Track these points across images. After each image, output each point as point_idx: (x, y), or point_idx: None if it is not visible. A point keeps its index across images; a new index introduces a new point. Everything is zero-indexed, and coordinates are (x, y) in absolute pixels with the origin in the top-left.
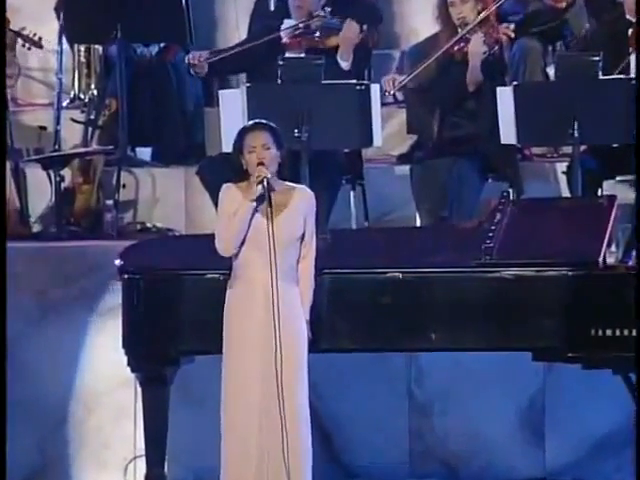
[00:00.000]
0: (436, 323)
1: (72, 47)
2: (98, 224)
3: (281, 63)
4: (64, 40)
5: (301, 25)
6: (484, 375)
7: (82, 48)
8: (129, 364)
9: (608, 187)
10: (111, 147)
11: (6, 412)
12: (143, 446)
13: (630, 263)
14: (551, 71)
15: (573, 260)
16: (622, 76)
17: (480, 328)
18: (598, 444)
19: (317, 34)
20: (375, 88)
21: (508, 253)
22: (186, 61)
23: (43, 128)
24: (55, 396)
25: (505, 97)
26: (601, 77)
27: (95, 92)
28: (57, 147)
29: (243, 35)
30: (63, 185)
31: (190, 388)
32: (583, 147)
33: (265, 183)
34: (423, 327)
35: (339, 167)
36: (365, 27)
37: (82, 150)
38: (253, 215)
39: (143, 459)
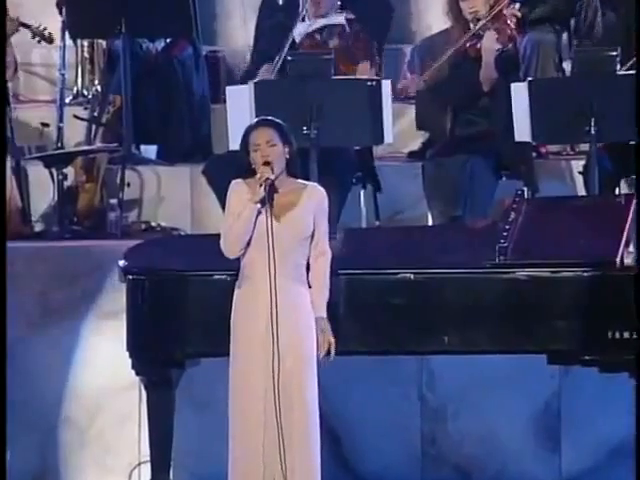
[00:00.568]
0: (448, 325)
1: (75, 42)
2: (102, 223)
3: (290, 58)
4: (67, 35)
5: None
6: (498, 378)
7: (85, 43)
8: (133, 367)
9: (626, 185)
10: (115, 145)
11: (6, 416)
12: (148, 451)
13: None
14: (566, 66)
15: (589, 260)
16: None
17: (494, 330)
18: (615, 449)
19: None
20: (386, 84)
21: (523, 253)
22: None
23: (45, 125)
24: (57, 400)
25: (520, 93)
26: (619, 72)
27: (99, 88)
28: (60, 145)
29: (250, 29)
30: (66, 184)
31: (196, 391)
32: (600, 144)
33: (267, 185)
34: (435, 329)
35: (349, 165)
36: None
37: (85, 148)
38: (258, 216)
39: (148, 465)
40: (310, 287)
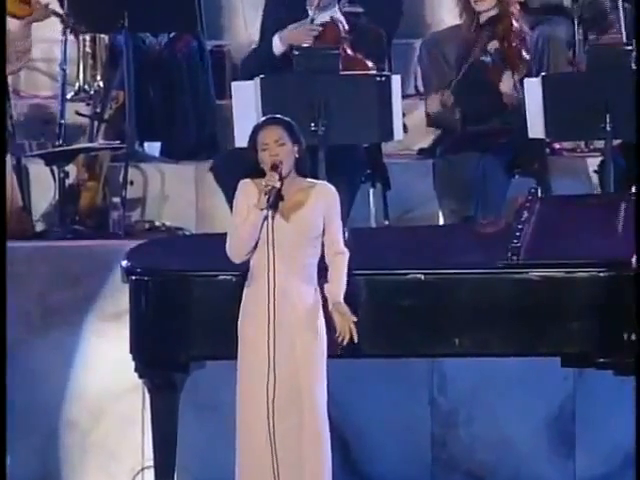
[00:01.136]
0: (460, 327)
1: (77, 37)
2: (104, 223)
3: (296, 53)
4: (68, 29)
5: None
6: (510, 381)
7: (87, 38)
8: (137, 370)
9: None
10: (118, 142)
11: (6, 420)
12: (151, 456)
13: None
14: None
15: (605, 260)
16: None
17: (506, 332)
18: (631, 454)
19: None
20: (396, 79)
21: (536, 253)
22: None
23: (46, 122)
24: (58, 403)
25: (533, 89)
26: (635, 67)
27: (101, 84)
28: (61, 142)
29: (256, 23)
30: (67, 182)
31: (201, 395)
32: (616, 142)
33: (272, 194)
34: (446, 331)
35: (358, 163)
36: None
37: (87, 145)
38: (264, 222)
39: (151, 470)
40: (320, 288)
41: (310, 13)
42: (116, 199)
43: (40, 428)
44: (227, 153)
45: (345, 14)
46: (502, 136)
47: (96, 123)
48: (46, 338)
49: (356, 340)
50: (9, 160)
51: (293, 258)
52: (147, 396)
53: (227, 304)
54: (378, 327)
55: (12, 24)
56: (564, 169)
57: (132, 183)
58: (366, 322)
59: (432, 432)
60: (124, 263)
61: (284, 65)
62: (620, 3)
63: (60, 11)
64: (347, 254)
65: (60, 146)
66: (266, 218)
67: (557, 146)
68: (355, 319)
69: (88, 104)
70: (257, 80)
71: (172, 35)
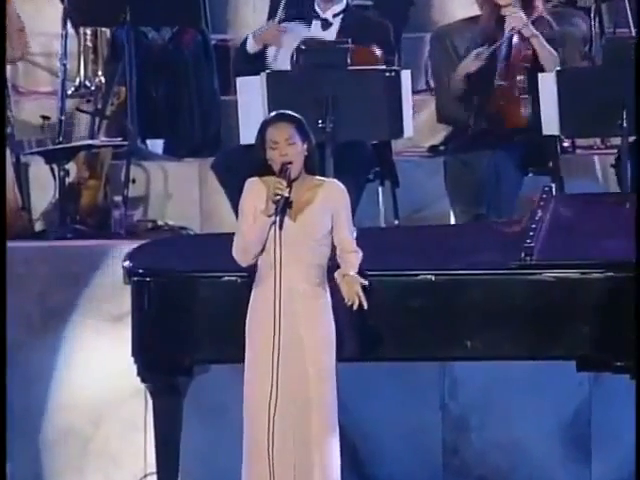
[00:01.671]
0: (472, 329)
1: (77, 30)
2: (105, 222)
3: (303, 47)
4: (68, 23)
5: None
6: (524, 386)
7: (88, 32)
8: (139, 374)
9: None
10: (120, 139)
11: (6, 425)
12: (154, 463)
13: None
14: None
15: (621, 261)
16: None
17: (519, 335)
18: None
19: None
20: (406, 74)
21: (550, 253)
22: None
23: (46, 118)
24: (58, 408)
25: (547, 84)
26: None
27: (102, 79)
28: (61, 139)
29: (262, 17)
30: (68, 180)
31: (205, 399)
32: (632, 138)
33: (280, 203)
34: (457, 333)
35: (366, 160)
36: None
37: (88, 142)
38: (271, 227)
39: (154, 477)
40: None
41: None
42: (118, 198)
43: (39, 434)
44: (229, 150)
45: (353, 7)
46: (515, 133)
47: (97, 120)
48: (45, 340)
49: (365, 306)
50: (8, 158)
51: (301, 258)
52: (150, 401)
53: (232, 306)
54: (387, 329)
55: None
56: (580, 167)
57: (134, 181)
58: (375, 324)
59: (443, 437)
60: (126, 264)
61: (258, 64)
62: None
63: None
64: (360, 253)
65: (60, 143)
66: (274, 223)
67: (566, 144)
68: (365, 282)
69: (89, 100)
70: (263, 75)
71: (176, 29)
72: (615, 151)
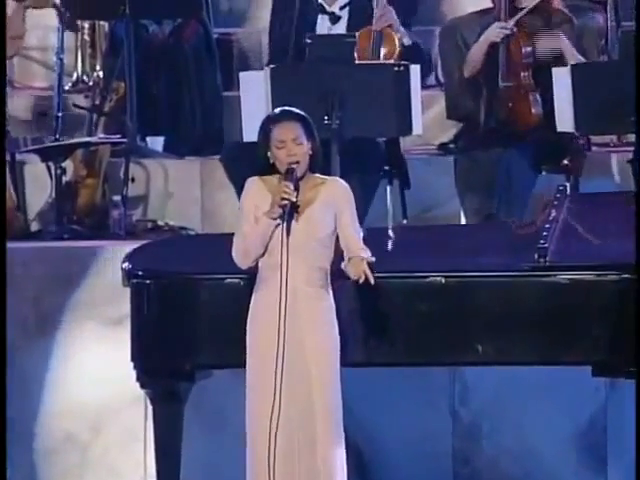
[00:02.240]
0: (483, 333)
1: (75, 24)
2: (104, 222)
3: (309, 41)
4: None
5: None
6: (537, 392)
7: (86, 25)
8: (138, 379)
9: None
10: (119, 136)
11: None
12: (154, 472)
13: None
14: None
15: (638, 263)
16: None
17: (533, 339)
18: None
19: None
20: (415, 69)
21: (565, 255)
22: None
23: (42, 114)
24: (55, 415)
25: (562, 79)
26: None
27: (100, 74)
28: (58, 136)
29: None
30: (64, 179)
31: (207, 406)
32: None
33: (287, 208)
34: (468, 338)
35: (377, 158)
36: None
37: (86, 140)
38: (275, 230)
39: None
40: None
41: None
42: (116, 197)
43: (35, 441)
44: (239, 143)
45: (360, 0)
46: (528, 130)
47: (95, 116)
48: (42, 344)
49: (372, 281)
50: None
51: (303, 260)
52: (149, 407)
53: (235, 309)
54: (395, 333)
55: (8, 7)
56: (596, 165)
57: (133, 180)
58: (383, 328)
59: (453, 445)
60: (125, 265)
61: None
62: None
63: (58, 1)
64: (368, 252)
65: (57, 141)
66: (278, 226)
67: (580, 142)
68: (372, 259)
69: (87, 96)
70: (267, 70)
71: (177, 22)
72: (632, 148)
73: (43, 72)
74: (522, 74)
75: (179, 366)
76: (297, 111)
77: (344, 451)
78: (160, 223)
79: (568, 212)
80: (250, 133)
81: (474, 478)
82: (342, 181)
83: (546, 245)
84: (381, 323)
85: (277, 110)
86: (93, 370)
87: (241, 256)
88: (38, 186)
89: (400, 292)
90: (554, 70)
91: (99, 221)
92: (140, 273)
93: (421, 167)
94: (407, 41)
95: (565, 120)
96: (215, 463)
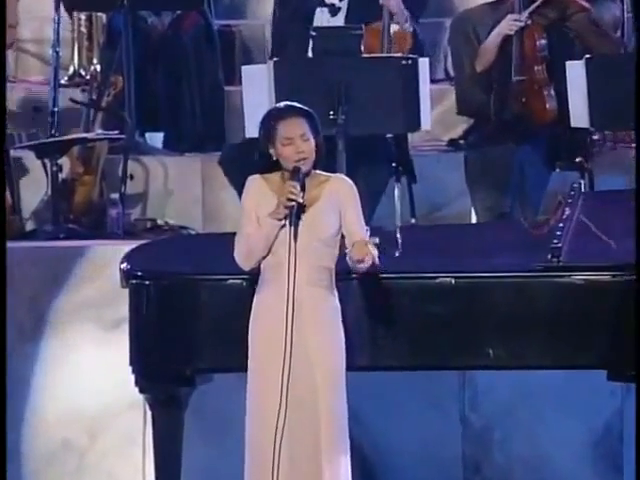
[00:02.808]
0: (494, 336)
1: (71, 15)
2: (101, 221)
3: (313, 34)
4: (61, 7)
5: None
6: (550, 397)
7: (82, 16)
8: (137, 384)
9: None
10: (117, 132)
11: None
12: (153, 478)
13: None
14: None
15: (638, 263)
16: None
17: (546, 342)
18: None
19: None
20: (423, 62)
21: (579, 254)
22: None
23: (37, 109)
24: (51, 420)
25: (576, 72)
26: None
27: (98, 68)
28: (54, 132)
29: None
30: (61, 176)
31: (208, 412)
32: None
33: (294, 209)
34: (479, 341)
35: (384, 155)
36: None
37: (83, 135)
38: (280, 231)
39: None
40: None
41: None
42: (114, 195)
43: (31, 447)
44: (238, 144)
45: None
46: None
47: (92, 111)
48: (37, 348)
49: (377, 262)
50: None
51: (306, 259)
52: (148, 413)
53: (237, 310)
54: (403, 336)
55: None
56: (611, 161)
57: (132, 177)
58: (390, 330)
59: (463, 452)
60: (123, 266)
61: None
62: None
63: None
64: (376, 251)
65: (52, 137)
66: (283, 226)
67: (596, 137)
68: (376, 240)
69: (84, 90)
70: (270, 63)
71: (177, 14)
72: None
73: (38, 65)
74: (536, 68)
75: (179, 370)
76: (301, 106)
77: (349, 458)
78: (160, 222)
79: (583, 211)
80: (252, 129)
81: None
82: (346, 178)
83: (560, 245)
84: (388, 325)
85: (281, 105)
86: (90, 374)
87: (244, 257)
88: (33, 184)
89: (408, 293)
90: (568, 63)
91: (96, 220)
92: (139, 274)
93: (430, 164)
94: (408, 27)
95: (579, 115)
96: (217, 471)
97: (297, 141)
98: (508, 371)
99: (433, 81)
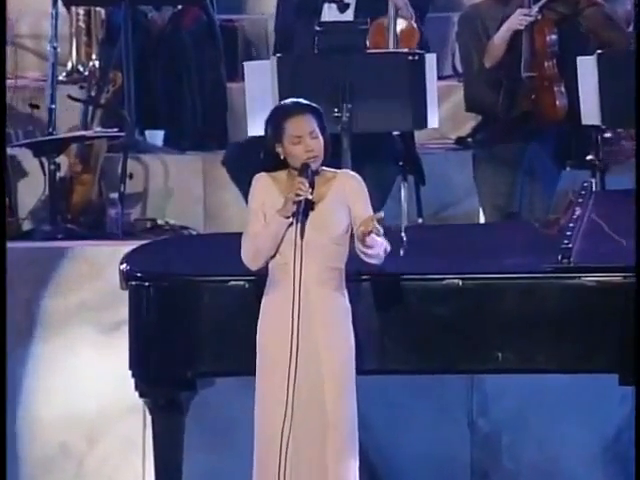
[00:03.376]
0: (503, 339)
1: (69, 10)
2: (100, 221)
3: (318, 29)
4: (59, 1)
5: None
6: (561, 402)
7: (81, 11)
8: (137, 388)
9: None
10: (116, 130)
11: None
12: None
13: None
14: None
15: (638, 263)
16: None
17: (556, 345)
18: None
19: None
20: (430, 58)
21: (590, 255)
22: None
23: (35, 107)
24: (50, 425)
25: (587, 69)
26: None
27: (97, 64)
28: (51, 130)
29: None
30: (58, 175)
31: (210, 416)
32: None
33: (302, 205)
34: (487, 344)
35: (391, 153)
36: None
37: (81, 133)
38: (288, 229)
39: None
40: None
41: None
42: (113, 194)
43: (30, 452)
44: (242, 143)
45: None
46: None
47: (91, 108)
48: (35, 351)
49: (381, 232)
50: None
51: (315, 259)
52: (148, 418)
53: (239, 313)
54: (410, 339)
55: None
56: (622, 160)
57: (131, 176)
58: (397, 334)
59: (471, 458)
60: (123, 267)
61: None
62: None
63: None
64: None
65: (50, 134)
66: (291, 225)
67: (608, 134)
68: (381, 214)
69: (82, 87)
70: (273, 59)
71: (177, 8)
72: None
73: (35, 61)
74: (546, 64)
75: (180, 374)
76: (308, 103)
77: (357, 464)
78: (160, 222)
79: (594, 210)
80: (255, 127)
81: None
82: (354, 173)
83: (570, 245)
84: (394, 328)
85: (288, 102)
86: (89, 377)
87: (251, 257)
88: (30, 183)
89: (415, 295)
90: (579, 59)
91: (95, 220)
92: (139, 275)
93: (437, 162)
94: (413, 24)
95: (590, 112)
96: (218, 477)
97: (306, 139)
98: (517, 375)
99: (440, 77)
